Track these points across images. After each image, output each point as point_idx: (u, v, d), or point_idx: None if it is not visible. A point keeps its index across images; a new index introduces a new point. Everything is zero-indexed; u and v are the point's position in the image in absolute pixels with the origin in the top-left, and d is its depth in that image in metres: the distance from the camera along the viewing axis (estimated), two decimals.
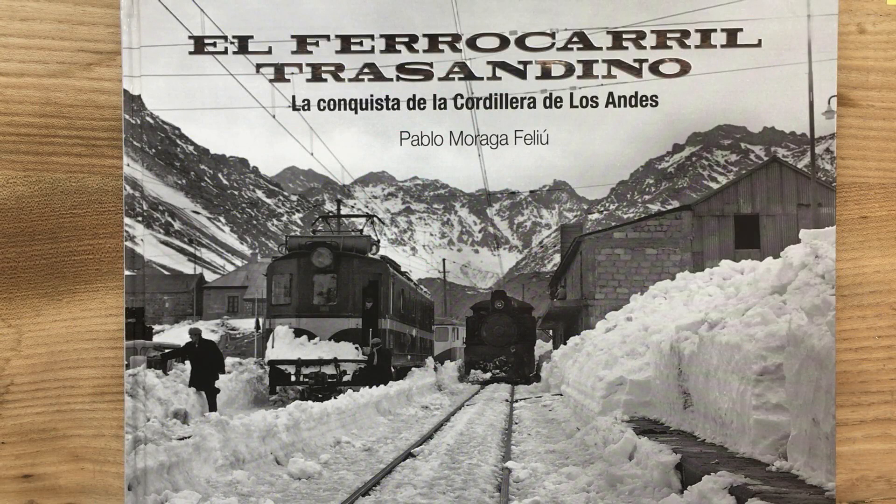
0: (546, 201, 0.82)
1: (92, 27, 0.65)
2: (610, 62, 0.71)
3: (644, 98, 0.71)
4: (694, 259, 0.85)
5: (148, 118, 0.65)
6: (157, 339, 0.81)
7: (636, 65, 0.71)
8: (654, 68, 0.71)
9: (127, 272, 0.65)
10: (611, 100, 0.72)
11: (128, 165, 0.65)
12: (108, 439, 0.72)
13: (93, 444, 0.69)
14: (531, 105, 0.73)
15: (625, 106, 0.71)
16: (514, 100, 0.73)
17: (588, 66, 0.71)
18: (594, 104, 0.72)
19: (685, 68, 0.70)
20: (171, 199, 0.75)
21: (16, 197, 0.66)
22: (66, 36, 0.63)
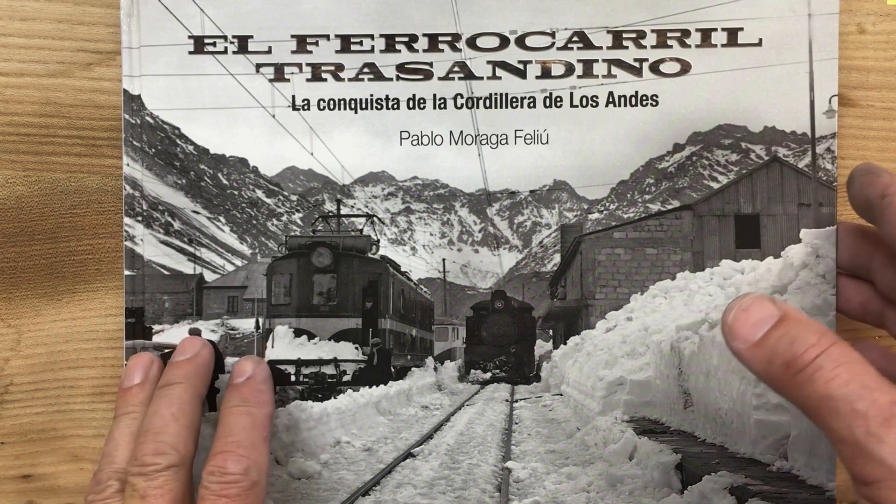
0: (546, 201, 0.80)
1: (92, 27, 0.66)
2: (610, 61, 0.71)
3: (644, 97, 0.70)
4: (694, 259, 0.83)
5: (148, 118, 0.64)
6: (156, 339, 0.81)
7: (636, 64, 0.71)
8: (655, 68, 0.70)
9: (127, 272, 0.66)
10: (611, 99, 0.71)
11: (127, 165, 0.66)
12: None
13: (92, 445, 0.70)
14: (531, 105, 0.72)
15: (625, 105, 0.70)
16: (514, 99, 0.73)
17: (588, 65, 0.71)
18: (594, 104, 0.72)
19: (685, 68, 0.70)
20: (171, 198, 0.75)
21: (15, 197, 0.67)
22: (65, 36, 0.64)
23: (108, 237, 0.68)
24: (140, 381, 0.57)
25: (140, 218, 0.67)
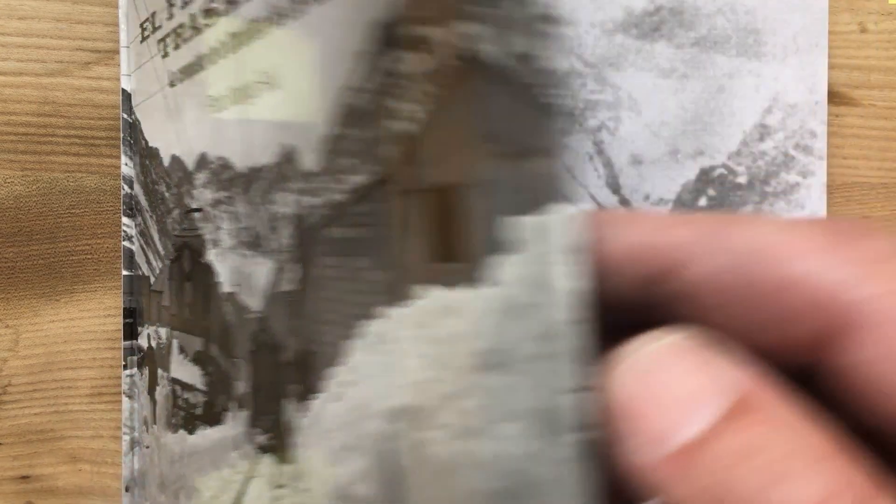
0: None
1: (90, 26, 0.72)
2: None
3: None
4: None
5: (134, 116, 0.72)
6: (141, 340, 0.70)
7: None
8: None
9: (125, 272, 0.74)
10: None
11: (125, 165, 0.72)
12: (105, 440, 0.72)
13: (91, 446, 0.75)
14: None
15: None
16: None
17: None
18: None
19: None
20: (141, 197, 0.67)
21: (14, 196, 0.68)
22: (64, 35, 0.68)
23: (107, 237, 0.71)
24: None
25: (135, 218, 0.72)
